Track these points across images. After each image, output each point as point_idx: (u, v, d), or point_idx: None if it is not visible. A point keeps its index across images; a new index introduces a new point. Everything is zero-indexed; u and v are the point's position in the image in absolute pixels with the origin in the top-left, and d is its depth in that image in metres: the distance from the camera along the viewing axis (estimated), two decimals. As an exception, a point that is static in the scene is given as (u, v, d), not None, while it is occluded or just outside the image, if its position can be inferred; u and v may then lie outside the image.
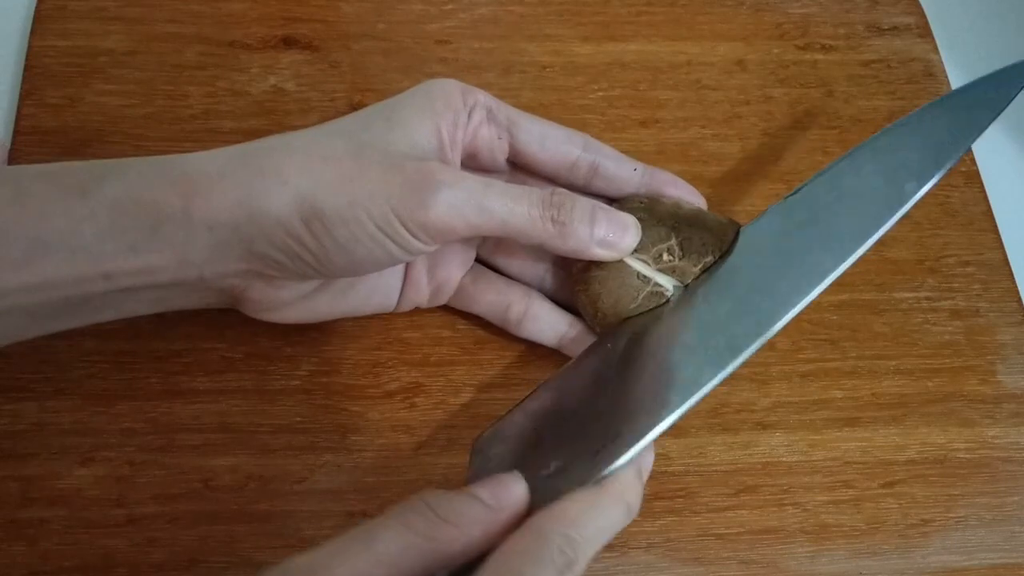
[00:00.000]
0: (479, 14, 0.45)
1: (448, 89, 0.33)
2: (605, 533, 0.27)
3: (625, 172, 0.36)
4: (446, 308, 0.38)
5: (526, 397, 0.34)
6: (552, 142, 0.35)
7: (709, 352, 0.30)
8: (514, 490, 0.27)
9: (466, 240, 0.36)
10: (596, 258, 0.34)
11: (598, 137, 0.36)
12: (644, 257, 0.34)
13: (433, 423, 0.36)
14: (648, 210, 0.35)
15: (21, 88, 0.40)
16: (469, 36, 0.45)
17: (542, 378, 0.35)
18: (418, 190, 0.29)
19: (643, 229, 0.34)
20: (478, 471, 0.31)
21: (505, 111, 0.34)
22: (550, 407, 0.33)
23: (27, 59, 0.41)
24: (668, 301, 0.34)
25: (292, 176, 0.29)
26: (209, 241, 0.29)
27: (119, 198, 0.28)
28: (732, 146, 0.43)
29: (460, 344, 0.37)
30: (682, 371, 0.30)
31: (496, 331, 0.37)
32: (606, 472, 0.27)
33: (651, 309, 0.34)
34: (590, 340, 0.36)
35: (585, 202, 0.33)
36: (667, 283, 0.34)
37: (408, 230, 0.30)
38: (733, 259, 0.34)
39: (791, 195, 0.35)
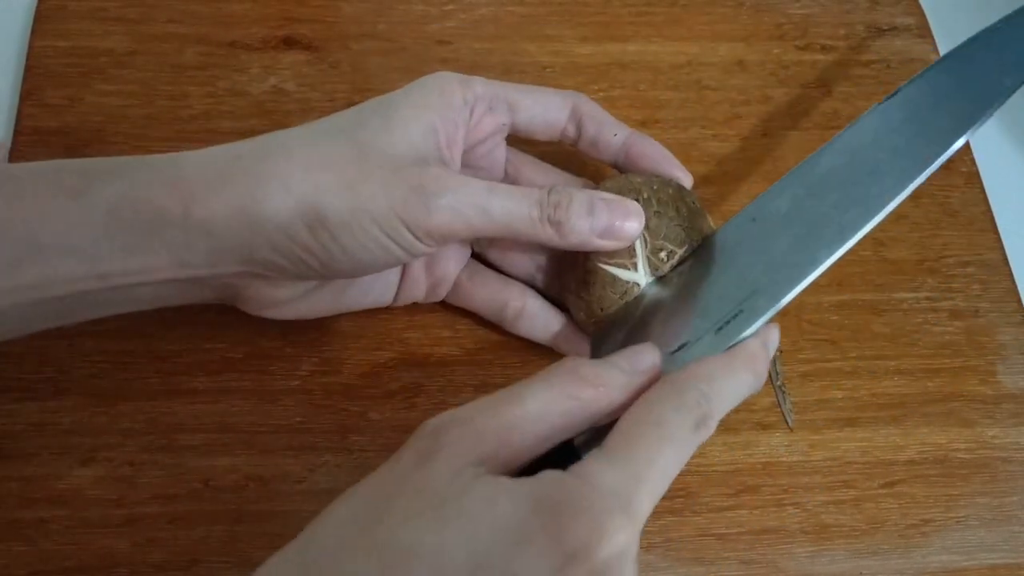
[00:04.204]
0: (479, 14, 0.45)
1: (444, 85, 0.32)
2: (735, 396, 0.28)
3: (605, 139, 0.36)
4: (446, 308, 0.38)
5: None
6: (552, 112, 0.35)
7: (818, 238, 0.31)
8: (649, 357, 0.28)
9: (465, 239, 0.36)
10: (600, 249, 0.33)
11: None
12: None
13: (433, 423, 0.36)
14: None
15: (21, 88, 0.40)
16: (469, 36, 0.45)
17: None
18: (422, 195, 0.29)
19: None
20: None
21: (503, 95, 0.34)
22: (661, 298, 0.34)
23: (27, 59, 0.41)
24: (639, 290, 0.34)
25: (294, 181, 0.29)
26: (208, 245, 0.29)
27: (116, 201, 0.28)
28: (732, 146, 0.43)
29: (460, 344, 0.37)
30: (795, 254, 0.32)
31: (496, 331, 0.37)
32: (734, 343, 0.29)
33: (626, 302, 0.34)
34: (580, 339, 0.36)
35: (582, 197, 0.32)
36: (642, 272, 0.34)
37: (413, 233, 0.30)
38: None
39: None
